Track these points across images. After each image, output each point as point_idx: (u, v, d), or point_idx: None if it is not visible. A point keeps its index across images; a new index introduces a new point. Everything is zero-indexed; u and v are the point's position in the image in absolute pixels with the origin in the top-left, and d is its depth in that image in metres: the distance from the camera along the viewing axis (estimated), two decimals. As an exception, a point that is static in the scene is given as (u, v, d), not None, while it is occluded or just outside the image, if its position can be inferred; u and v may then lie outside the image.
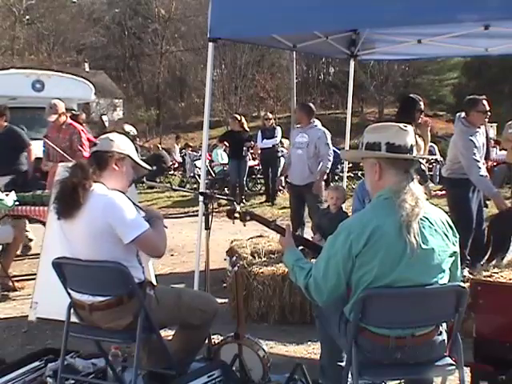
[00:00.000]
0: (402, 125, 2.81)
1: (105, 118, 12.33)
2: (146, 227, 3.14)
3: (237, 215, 3.58)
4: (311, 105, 7.39)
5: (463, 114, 5.74)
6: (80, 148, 7.02)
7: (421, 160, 5.49)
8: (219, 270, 6.13)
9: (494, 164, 11.85)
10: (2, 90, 11.11)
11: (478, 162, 5.55)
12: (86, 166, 3.22)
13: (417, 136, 5.63)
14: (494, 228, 5.88)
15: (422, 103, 5.75)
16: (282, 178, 7.78)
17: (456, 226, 2.85)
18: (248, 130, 12.83)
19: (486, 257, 5.74)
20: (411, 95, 6.02)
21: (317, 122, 7.10)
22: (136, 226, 3.11)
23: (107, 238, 3.09)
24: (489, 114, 5.70)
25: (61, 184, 3.22)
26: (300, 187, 6.98)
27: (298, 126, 7.31)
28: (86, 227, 3.09)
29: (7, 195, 5.98)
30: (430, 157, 5.46)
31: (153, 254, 3.31)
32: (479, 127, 5.75)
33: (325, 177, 6.99)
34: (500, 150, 12.95)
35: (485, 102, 5.67)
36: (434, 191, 11.27)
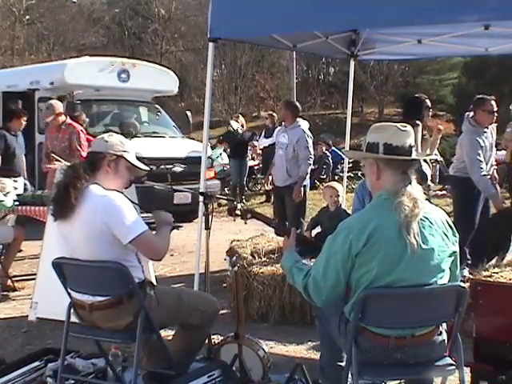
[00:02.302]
0: (400, 125, 2.81)
1: (188, 113, 11.89)
2: (143, 229, 3.13)
3: (238, 213, 3.58)
4: (297, 103, 7.20)
5: (471, 114, 5.77)
6: (78, 148, 7.03)
7: (427, 160, 5.52)
8: (219, 270, 6.13)
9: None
10: (87, 79, 10.14)
11: (481, 162, 5.57)
12: (78, 166, 3.24)
13: (426, 135, 5.65)
14: (492, 227, 5.90)
15: (428, 101, 5.74)
16: (270, 178, 7.56)
17: (457, 224, 2.85)
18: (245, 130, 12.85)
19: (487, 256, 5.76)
20: (417, 95, 5.99)
21: (301, 123, 6.87)
22: (133, 227, 3.10)
23: (106, 239, 3.09)
24: (496, 114, 5.72)
25: (56, 186, 3.25)
26: (281, 188, 6.91)
27: (282, 124, 7.24)
28: (84, 228, 3.09)
29: (5, 195, 5.99)
30: (429, 157, 5.45)
31: (151, 257, 3.33)
32: (487, 127, 5.77)
33: (305, 182, 6.78)
34: (499, 149, 12.96)
35: (493, 102, 5.69)
36: (434, 191, 11.27)
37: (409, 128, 2.80)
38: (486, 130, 5.75)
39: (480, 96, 5.85)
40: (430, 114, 5.75)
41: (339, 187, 5.75)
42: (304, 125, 6.95)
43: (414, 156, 2.78)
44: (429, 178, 5.71)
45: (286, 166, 6.75)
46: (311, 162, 6.83)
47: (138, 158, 3.40)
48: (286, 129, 6.87)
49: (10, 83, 11.19)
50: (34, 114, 10.58)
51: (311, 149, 6.79)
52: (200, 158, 10.17)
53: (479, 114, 5.66)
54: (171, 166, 9.23)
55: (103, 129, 10.08)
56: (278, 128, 11.59)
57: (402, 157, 2.73)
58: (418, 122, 5.53)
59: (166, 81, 11.60)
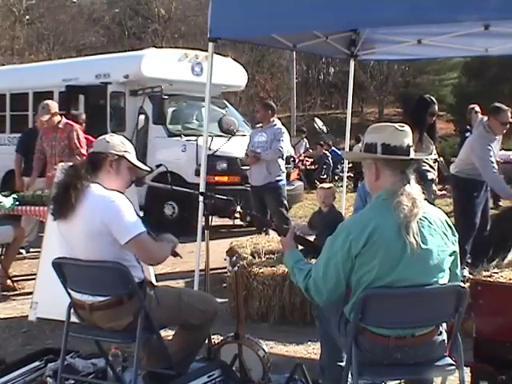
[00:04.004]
0: (398, 125, 2.80)
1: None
2: (141, 230, 3.12)
3: (237, 215, 3.58)
4: (273, 104, 7.40)
5: (486, 118, 5.80)
6: (78, 146, 7.00)
7: (429, 160, 5.55)
8: (219, 269, 6.13)
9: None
10: (163, 72, 9.49)
11: (493, 163, 5.63)
12: (79, 166, 3.24)
13: (427, 138, 5.67)
14: (495, 228, 5.91)
15: (435, 106, 5.67)
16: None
17: (458, 224, 2.86)
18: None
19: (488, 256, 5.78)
20: (425, 96, 5.91)
21: (276, 122, 7.08)
22: (131, 228, 3.10)
23: (105, 238, 3.09)
24: (508, 126, 5.75)
25: (56, 185, 3.26)
26: (259, 188, 6.92)
27: (258, 125, 7.25)
28: (83, 227, 3.09)
29: (5, 196, 5.99)
30: (428, 156, 5.45)
31: (146, 260, 3.30)
32: (498, 134, 5.83)
33: (282, 181, 6.95)
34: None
35: (509, 113, 5.70)
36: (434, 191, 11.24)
37: (407, 128, 2.80)
38: (496, 137, 5.81)
39: (498, 105, 5.86)
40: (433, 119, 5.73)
41: (331, 189, 5.73)
42: (279, 123, 7.13)
43: (412, 155, 2.78)
44: (435, 180, 5.76)
45: (266, 164, 6.84)
46: (282, 152, 6.92)
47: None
48: (263, 129, 7.04)
49: (67, 76, 10.32)
50: (105, 111, 9.90)
51: (283, 143, 6.95)
52: (287, 157, 10.03)
53: (492, 121, 5.70)
54: None
55: (179, 127, 9.61)
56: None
57: (400, 156, 2.73)
58: (414, 124, 5.55)
59: (236, 75, 11.02)
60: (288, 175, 9.84)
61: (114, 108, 9.96)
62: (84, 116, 8.54)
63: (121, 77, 9.66)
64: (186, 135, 9.29)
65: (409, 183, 2.70)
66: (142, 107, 9.68)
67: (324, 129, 12.52)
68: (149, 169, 3.55)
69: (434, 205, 2.97)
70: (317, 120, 13.22)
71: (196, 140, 8.84)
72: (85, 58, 12.47)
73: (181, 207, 8.99)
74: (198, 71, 9.80)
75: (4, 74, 12.46)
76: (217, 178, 8.41)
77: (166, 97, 9.23)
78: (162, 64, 9.62)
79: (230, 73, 10.76)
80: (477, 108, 9.10)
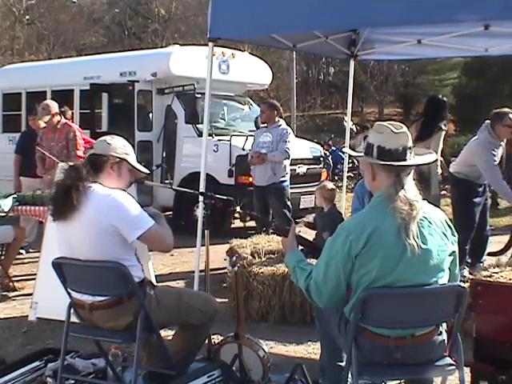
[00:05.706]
0: (394, 127, 2.72)
1: None
2: (151, 223, 3.15)
3: (237, 215, 3.59)
4: (278, 104, 7.35)
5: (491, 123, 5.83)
6: (74, 147, 6.99)
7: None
8: (219, 269, 6.13)
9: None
10: (190, 70, 9.20)
11: (497, 167, 5.65)
12: (80, 167, 3.22)
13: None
14: None
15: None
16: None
17: (456, 224, 2.85)
18: None
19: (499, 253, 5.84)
20: (438, 96, 6.31)
21: (282, 122, 7.04)
22: (142, 222, 3.12)
23: (110, 238, 3.09)
24: None
25: (56, 185, 3.25)
26: (263, 188, 6.86)
27: (263, 125, 7.20)
28: (86, 228, 3.09)
29: (5, 197, 5.99)
30: (426, 160, 5.45)
31: (161, 249, 3.38)
32: (502, 140, 5.84)
33: (286, 181, 6.89)
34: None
35: (511, 115, 5.69)
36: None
37: (403, 130, 2.74)
38: (501, 143, 5.82)
39: (498, 110, 5.85)
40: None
41: (330, 189, 5.71)
42: (284, 123, 7.10)
43: (407, 159, 2.71)
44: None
45: (271, 164, 6.80)
46: (289, 153, 6.86)
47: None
48: (268, 129, 6.99)
49: (88, 74, 10.06)
50: (131, 110, 9.61)
51: (289, 144, 6.88)
52: (319, 158, 9.88)
53: (498, 128, 5.69)
54: (295, 167, 8.64)
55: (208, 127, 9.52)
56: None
57: (395, 162, 2.67)
58: (443, 126, 5.64)
59: (261, 73, 10.87)
60: (319, 175, 9.82)
61: (140, 107, 9.76)
62: (70, 112, 8.39)
63: (148, 75, 9.43)
64: (216, 135, 8.96)
65: (403, 188, 2.65)
66: (170, 106, 9.49)
67: (354, 128, 12.50)
68: (148, 171, 3.56)
69: (438, 204, 2.96)
70: (346, 119, 13.28)
71: (229, 140, 8.65)
72: (107, 56, 11.86)
73: (212, 209, 8.84)
74: (225, 69, 9.61)
75: (20, 71, 12.13)
76: (251, 179, 8.32)
77: (199, 95, 8.81)
78: (190, 62, 9.38)
79: (255, 71, 10.64)
80: None
